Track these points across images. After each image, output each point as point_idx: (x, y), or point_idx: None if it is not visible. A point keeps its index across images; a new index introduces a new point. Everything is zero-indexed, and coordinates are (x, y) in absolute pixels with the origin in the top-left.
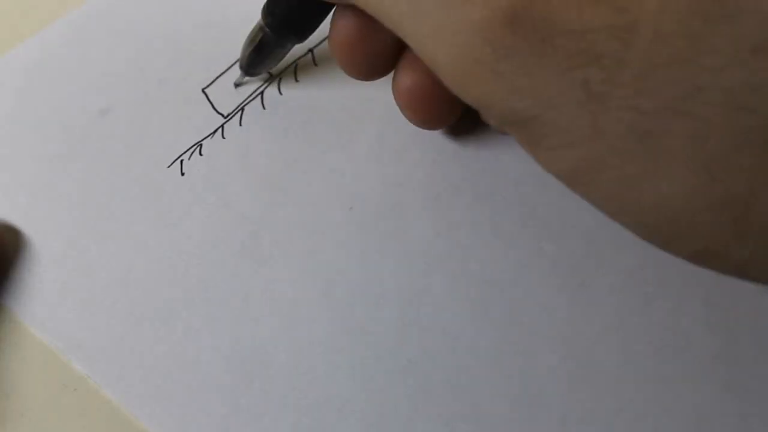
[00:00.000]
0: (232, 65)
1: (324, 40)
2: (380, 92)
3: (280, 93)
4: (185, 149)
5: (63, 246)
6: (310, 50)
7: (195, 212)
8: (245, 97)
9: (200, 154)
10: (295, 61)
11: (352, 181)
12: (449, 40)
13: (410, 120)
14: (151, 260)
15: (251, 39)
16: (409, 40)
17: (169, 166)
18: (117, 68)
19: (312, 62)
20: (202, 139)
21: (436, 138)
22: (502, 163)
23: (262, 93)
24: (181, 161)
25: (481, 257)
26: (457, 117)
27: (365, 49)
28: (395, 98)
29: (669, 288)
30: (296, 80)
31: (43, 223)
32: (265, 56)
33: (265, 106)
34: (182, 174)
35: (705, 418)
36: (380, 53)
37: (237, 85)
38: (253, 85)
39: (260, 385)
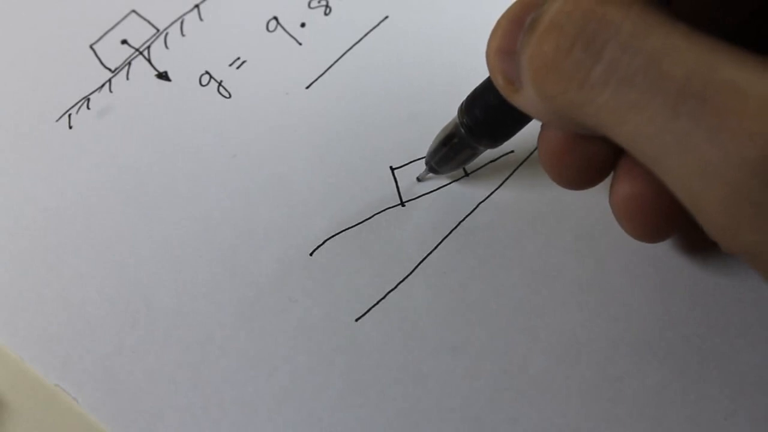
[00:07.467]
0: (121, 21)
1: None
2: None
3: (167, 47)
4: (73, 104)
5: None
6: (196, 6)
7: (83, 164)
8: (132, 52)
9: (88, 108)
10: (181, 17)
11: (234, 127)
12: (720, 179)
13: (627, 232)
14: (38, 210)
15: (445, 136)
16: (667, 176)
17: (57, 120)
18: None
19: (198, 18)
20: (90, 93)
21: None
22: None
23: (149, 47)
24: (69, 115)
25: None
26: (677, 231)
27: (575, 159)
28: (612, 208)
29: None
30: (182, 35)
31: None
32: (454, 155)
33: (152, 60)
34: (70, 128)
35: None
36: (591, 162)
37: (420, 180)
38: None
39: (145, 325)
